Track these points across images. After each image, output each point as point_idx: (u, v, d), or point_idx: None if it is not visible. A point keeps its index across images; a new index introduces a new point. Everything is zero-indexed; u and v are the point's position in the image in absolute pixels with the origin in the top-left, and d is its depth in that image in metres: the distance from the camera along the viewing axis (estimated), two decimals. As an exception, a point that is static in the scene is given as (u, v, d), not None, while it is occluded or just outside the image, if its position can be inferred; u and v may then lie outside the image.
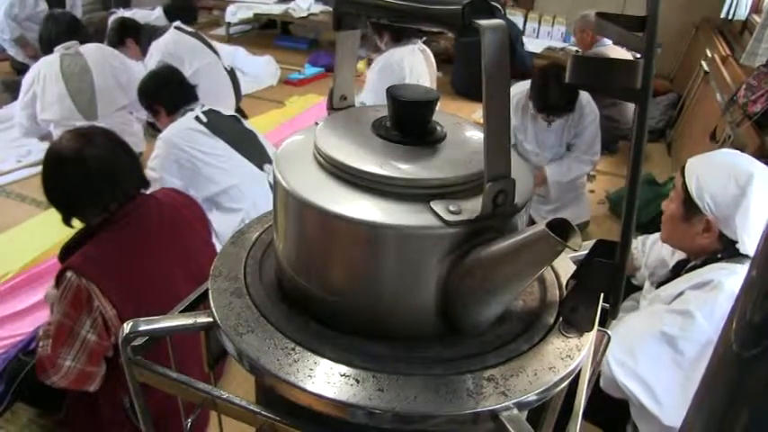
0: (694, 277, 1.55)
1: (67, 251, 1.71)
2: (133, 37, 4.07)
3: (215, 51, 4.01)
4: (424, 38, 3.72)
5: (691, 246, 1.61)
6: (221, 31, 6.84)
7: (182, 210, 1.91)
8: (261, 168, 2.79)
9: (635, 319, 1.63)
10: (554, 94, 2.91)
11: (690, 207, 1.57)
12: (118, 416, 1.82)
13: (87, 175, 1.65)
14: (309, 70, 5.72)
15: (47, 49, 3.48)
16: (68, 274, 1.59)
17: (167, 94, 2.78)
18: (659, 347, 1.48)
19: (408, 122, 0.67)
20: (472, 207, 0.59)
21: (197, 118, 2.69)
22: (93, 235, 1.68)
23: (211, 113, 2.76)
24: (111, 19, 4.51)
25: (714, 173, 1.56)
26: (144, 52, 3.95)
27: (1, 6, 4.71)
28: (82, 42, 3.50)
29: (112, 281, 1.61)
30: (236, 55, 5.59)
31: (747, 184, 1.52)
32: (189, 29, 3.98)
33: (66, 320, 1.60)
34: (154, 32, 3.98)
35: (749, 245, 1.51)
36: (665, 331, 1.48)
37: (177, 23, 3.95)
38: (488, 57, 0.54)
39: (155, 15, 4.43)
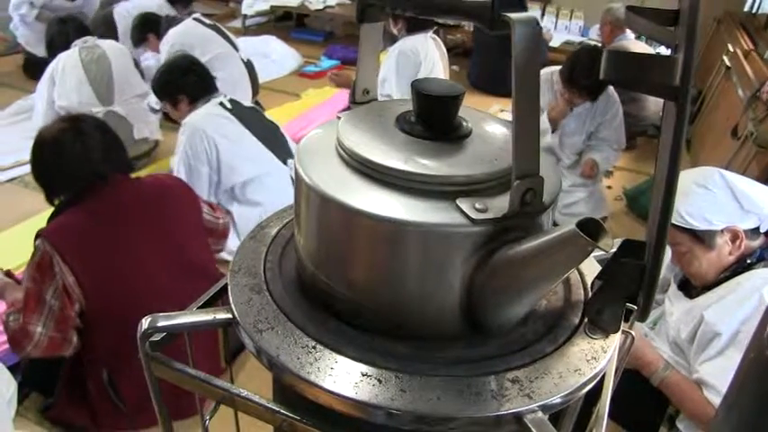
0: (740, 299, 1.51)
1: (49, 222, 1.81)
2: (154, 32, 4.09)
3: (232, 43, 4.01)
4: (435, 27, 3.72)
5: (732, 263, 1.58)
6: (237, 22, 6.83)
7: (166, 189, 1.98)
8: (284, 163, 2.75)
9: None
10: (582, 69, 2.88)
11: (703, 237, 1.55)
12: (103, 396, 1.88)
13: (58, 163, 1.75)
14: (325, 63, 5.70)
15: (56, 51, 3.52)
16: (38, 241, 1.69)
17: (190, 81, 2.71)
18: None
19: (433, 118, 0.65)
20: (499, 205, 0.58)
21: (221, 104, 2.64)
22: (67, 207, 1.78)
23: (234, 102, 2.72)
24: (116, 11, 4.53)
25: (693, 195, 1.56)
26: None
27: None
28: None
29: (74, 249, 1.69)
30: (268, 42, 5.85)
31: (722, 178, 1.55)
32: (207, 21, 3.98)
33: (33, 285, 1.68)
34: (173, 22, 3.98)
35: None
36: None
37: (196, 15, 3.95)
38: (519, 51, 0.53)
39: (156, 4, 4.43)
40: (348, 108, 0.75)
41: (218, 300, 0.77)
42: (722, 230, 1.54)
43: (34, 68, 4.49)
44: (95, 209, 1.75)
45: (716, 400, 1.47)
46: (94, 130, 1.81)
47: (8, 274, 1.98)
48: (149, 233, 1.84)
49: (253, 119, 2.76)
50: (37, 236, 1.70)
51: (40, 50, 4.77)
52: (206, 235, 2.06)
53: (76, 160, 1.74)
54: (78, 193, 1.76)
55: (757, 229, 1.56)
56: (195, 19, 3.92)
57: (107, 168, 1.78)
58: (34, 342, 1.69)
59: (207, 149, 2.59)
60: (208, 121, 2.60)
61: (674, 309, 1.73)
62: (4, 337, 2.19)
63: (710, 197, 1.54)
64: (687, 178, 1.60)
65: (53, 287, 1.67)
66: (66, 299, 1.69)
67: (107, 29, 4.44)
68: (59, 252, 1.66)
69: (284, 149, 2.80)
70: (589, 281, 0.74)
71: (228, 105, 2.66)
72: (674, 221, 1.54)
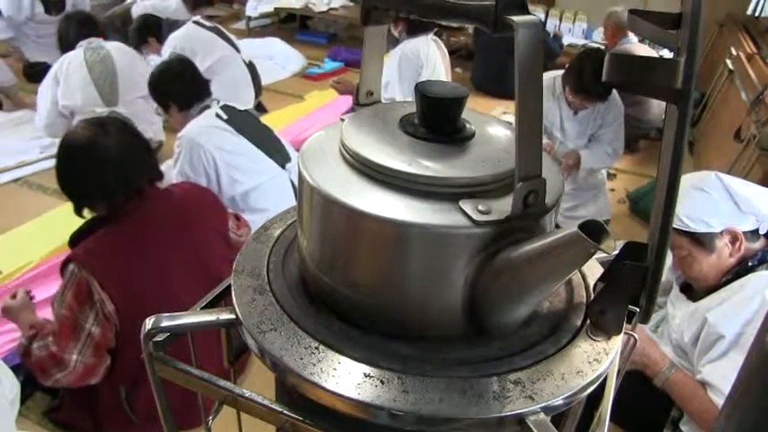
0: (743, 301, 1.51)
1: (78, 239, 1.73)
2: (155, 35, 4.10)
3: (233, 45, 4.01)
4: (436, 29, 3.74)
5: (733, 265, 1.59)
6: (241, 24, 6.85)
7: (194, 204, 1.91)
8: (283, 167, 2.71)
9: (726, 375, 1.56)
10: (590, 76, 2.88)
11: (703, 240, 1.56)
12: (114, 406, 1.84)
13: (97, 166, 1.65)
14: (329, 65, 5.71)
15: (67, 48, 3.53)
16: (71, 266, 1.62)
17: (179, 89, 2.65)
18: None
19: (437, 120, 0.65)
20: (502, 207, 0.58)
21: (217, 115, 2.59)
22: (99, 226, 1.70)
23: (228, 109, 2.66)
24: (133, 10, 4.54)
25: (692, 199, 1.57)
26: None
27: None
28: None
29: (111, 276, 1.62)
30: (272, 43, 5.94)
31: (718, 180, 1.56)
32: (207, 23, 3.98)
33: (69, 313, 1.61)
34: (173, 26, 3.99)
35: None
36: None
37: (196, 18, 3.96)
38: (521, 54, 0.53)
39: (173, 7, 4.44)
40: (351, 110, 0.75)
41: (221, 301, 0.77)
42: (721, 233, 1.55)
43: (36, 74, 4.51)
44: (128, 229, 1.69)
45: (719, 401, 1.47)
46: (126, 134, 1.73)
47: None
48: (178, 249, 1.79)
49: (248, 125, 2.70)
50: (68, 260, 1.63)
51: (31, 56, 4.81)
52: (229, 247, 2.02)
53: (110, 166, 1.65)
54: (112, 212, 1.69)
55: (757, 231, 1.56)
56: (195, 22, 3.92)
57: (141, 178, 1.71)
58: (69, 370, 1.63)
59: (205, 164, 2.54)
60: (205, 134, 2.54)
61: (677, 312, 1.73)
62: (7, 338, 2.21)
63: (708, 200, 1.54)
64: (684, 182, 1.61)
65: (93, 314, 1.61)
66: (105, 324, 1.64)
67: (123, 25, 4.45)
68: (98, 279, 1.60)
69: (281, 154, 2.75)
70: (591, 283, 0.74)
71: (224, 116, 2.60)
72: (673, 225, 1.55)
